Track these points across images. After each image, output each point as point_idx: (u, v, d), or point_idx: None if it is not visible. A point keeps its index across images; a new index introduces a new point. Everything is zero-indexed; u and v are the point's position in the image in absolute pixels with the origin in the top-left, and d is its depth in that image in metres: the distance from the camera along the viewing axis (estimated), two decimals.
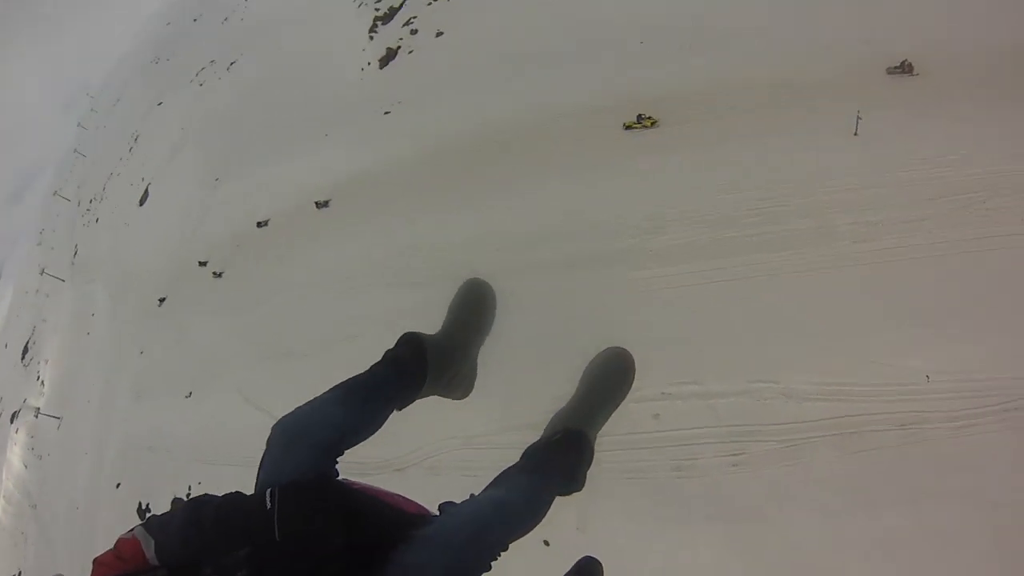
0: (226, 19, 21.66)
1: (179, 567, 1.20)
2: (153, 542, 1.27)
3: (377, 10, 11.68)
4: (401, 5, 11.30)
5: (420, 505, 1.45)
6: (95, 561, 1.28)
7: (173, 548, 1.25)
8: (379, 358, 1.52)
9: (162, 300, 14.62)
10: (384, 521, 1.34)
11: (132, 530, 1.30)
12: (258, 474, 1.37)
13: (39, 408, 24.20)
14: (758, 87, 6.58)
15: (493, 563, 1.32)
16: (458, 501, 1.39)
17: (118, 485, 13.26)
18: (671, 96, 6.74)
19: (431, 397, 1.64)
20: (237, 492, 1.35)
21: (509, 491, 1.46)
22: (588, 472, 1.59)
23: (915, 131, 5.78)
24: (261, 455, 1.40)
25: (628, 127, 6.62)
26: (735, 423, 5.45)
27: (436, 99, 8.98)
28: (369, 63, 11.09)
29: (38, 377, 26.39)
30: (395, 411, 1.52)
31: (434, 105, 8.87)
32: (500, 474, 1.54)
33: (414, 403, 1.56)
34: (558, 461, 1.54)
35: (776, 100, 6.41)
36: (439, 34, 10.08)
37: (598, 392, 1.69)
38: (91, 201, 26.34)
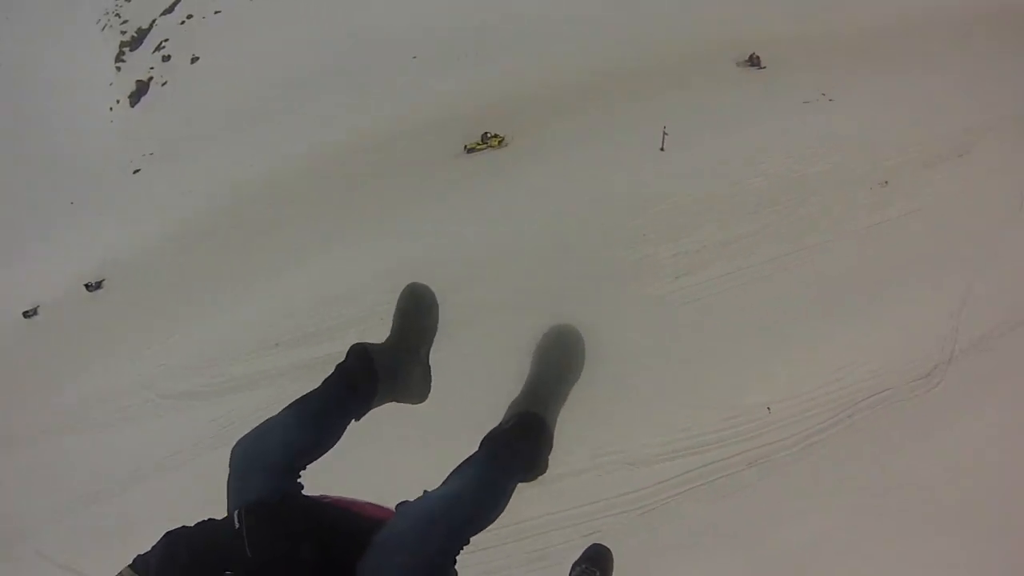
0: None
1: None
2: None
3: (123, 32, 9.74)
4: (151, 26, 9.45)
5: (389, 509, 1.37)
6: None
7: None
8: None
9: None
10: (353, 531, 1.26)
11: (121, 572, 1.22)
12: (227, 496, 1.32)
13: None
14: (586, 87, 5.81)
15: (454, 556, 1.26)
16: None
17: None
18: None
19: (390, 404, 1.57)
20: (209, 519, 1.31)
21: (465, 484, 1.34)
22: (550, 456, 1.48)
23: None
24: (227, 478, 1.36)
25: (472, 150, 5.21)
26: (585, 502, 4.76)
27: (196, 144, 7.40)
28: (118, 101, 9.20)
29: None
30: (353, 421, 1.47)
31: (193, 155, 7.30)
32: (458, 466, 1.38)
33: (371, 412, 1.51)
34: (516, 447, 1.41)
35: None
36: (195, 59, 8.45)
37: (549, 372, 1.57)
38: None
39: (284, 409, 1.45)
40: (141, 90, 9.08)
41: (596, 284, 4.10)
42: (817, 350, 4.78)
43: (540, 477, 1.49)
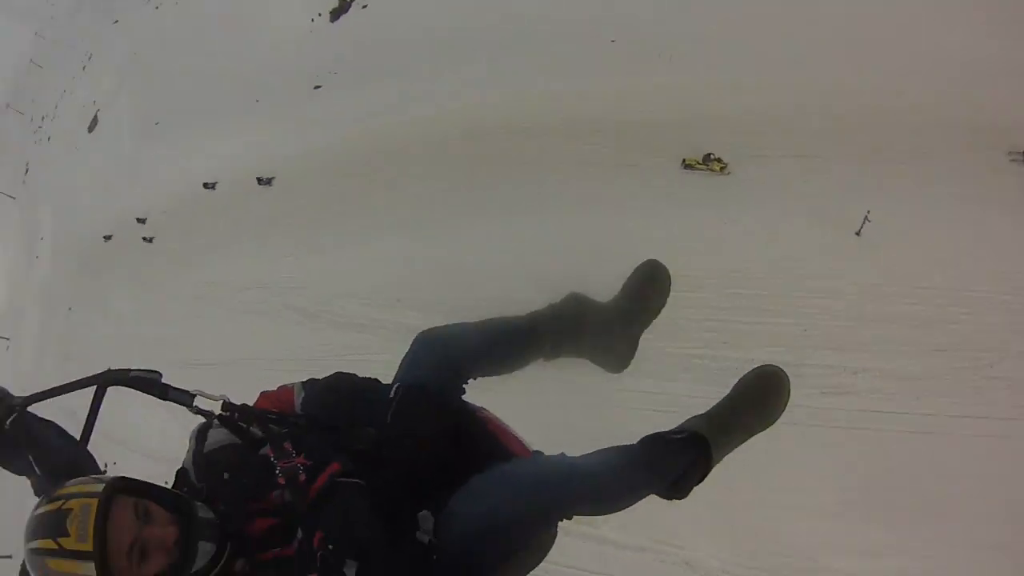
0: None
1: (317, 421, 1.53)
2: (303, 395, 1.65)
3: None
4: None
5: (528, 450, 1.57)
6: (261, 393, 1.72)
7: (314, 404, 1.61)
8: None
9: (108, 237, 13.46)
10: (488, 450, 1.51)
11: (293, 384, 1.70)
12: (397, 372, 1.65)
13: None
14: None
15: (555, 521, 1.43)
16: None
17: None
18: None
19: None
20: (375, 379, 1.66)
21: (605, 466, 1.48)
22: (696, 488, 1.57)
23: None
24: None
25: (689, 166, 4.37)
26: None
27: (366, 76, 7.55)
28: (320, 14, 9.58)
29: None
30: (542, 360, 1.69)
31: (361, 86, 7.47)
32: (609, 447, 1.56)
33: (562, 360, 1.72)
34: (673, 461, 1.52)
35: None
36: None
37: (743, 408, 1.63)
38: (43, 118, 24.59)
39: (485, 320, 1.64)
40: (344, 7, 9.41)
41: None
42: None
43: (675, 500, 1.62)
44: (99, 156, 15.75)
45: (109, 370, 1.60)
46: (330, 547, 1.30)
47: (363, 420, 1.52)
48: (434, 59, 6.80)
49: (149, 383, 1.58)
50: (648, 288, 1.76)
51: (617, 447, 1.59)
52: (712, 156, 4.24)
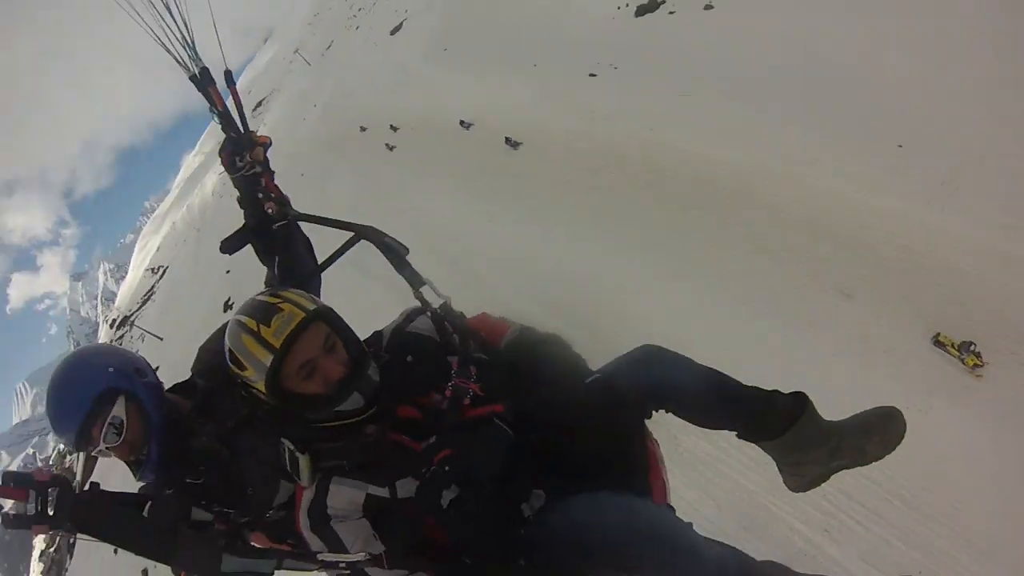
0: None
1: (508, 363, 1.64)
2: (514, 336, 1.74)
3: None
4: None
5: (665, 496, 1.56)
6: (483, 312, 1.84)
7: (517, 348, 1.70)
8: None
9: (363, 128, 15.00)
10: (631, 472, 1.51)
11: (516, 323, 1.79)
12: (607, 363, 1.62)
13: None
14: None
15: (630, 571, 1.38)
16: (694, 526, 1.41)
17: None
18: None
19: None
20: (583, 360, 1.68)
21: (714, 560, 1.43)
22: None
23: None
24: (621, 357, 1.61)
25: (941, 344, 3.57)
26: None
27: (650, 80, 7.52)
28: (627, 4, 9.68)
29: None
30: (734, 434, 1.59)
31: (641, 87, 7.37)
32: (734, 549, 1.59)
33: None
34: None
35: None
36: (708, 7, 8.43)
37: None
38: (360, 9, 27.95)
39: (711, 368, 1.63)
40: (650, 6, 9.44)
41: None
42: None
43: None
44: (389, 58, 17.53)
45: (371, 226, 1.79)
46: (446, 468, 1.38)
47: (549, 385, 1.56)
48: (711, 90, 6.49)
49: (396, 252, 1.74)
50: (877, 433, 1.63)
51: (737, 553, 1.59)
52: (973, 348, 3.31)
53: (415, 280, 1.74)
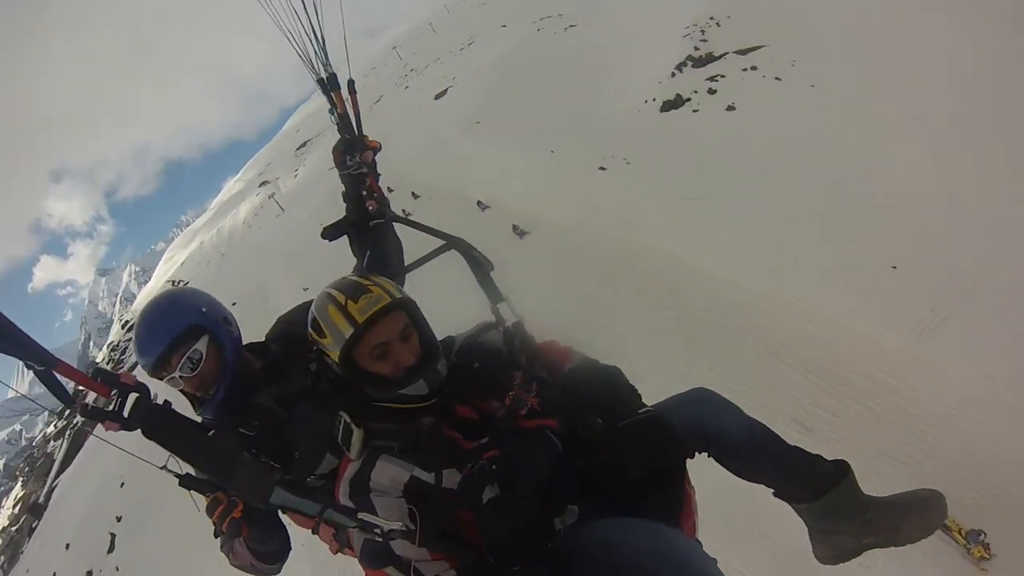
0: None
1: (566, 389, 1.73)
2: (575, 364, 1.88)
3: (696, 49, 10.41)
4: (720, 56, 9.92)
5: (694, 531, 1.58)
6: (551, 340, 1.90)
7: (577, 378, 1.78)
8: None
9: (391, 189, 15.54)
10: (665, 507, 1.52)
11: (581, 353, 1.89)
12: (662, 401, 1.70)
13: (273, 194, 28.86)
14: None
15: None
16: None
17: None
18: None
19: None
20: (639, 393, 1.71)
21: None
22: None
23: None
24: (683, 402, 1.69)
25: (947, 527, 2.84)
26: None
27: (659, 175, 7.65)
28: (654, 99, 9.97)
29: (295, 173, 30.94)
30: (767, 488, 1.67)
31: (651, 179, 7.49)
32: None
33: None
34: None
35: None
36: (730, 108, 8.65)
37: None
38: (412, 70, 29.31)
39: (760, 423, 1.69)
40: (675, 103, 9.72)
41: None
42: None
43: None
44: (428, 123, 18.18)
45: (462, 238, 2.02)
46: (493, 467, 1.46)
47: (603, 413, 1.63)
48: (714, 194, 6.54)
49: (482, 266, 1.94)
50: (915, 514, 1.66)
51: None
52: (983, 538, 2.75)
53: (494, 295, 1.93)
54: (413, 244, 2.35)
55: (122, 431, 1.34)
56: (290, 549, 1.94)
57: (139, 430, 1.33)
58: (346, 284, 1.61)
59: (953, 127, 5.75)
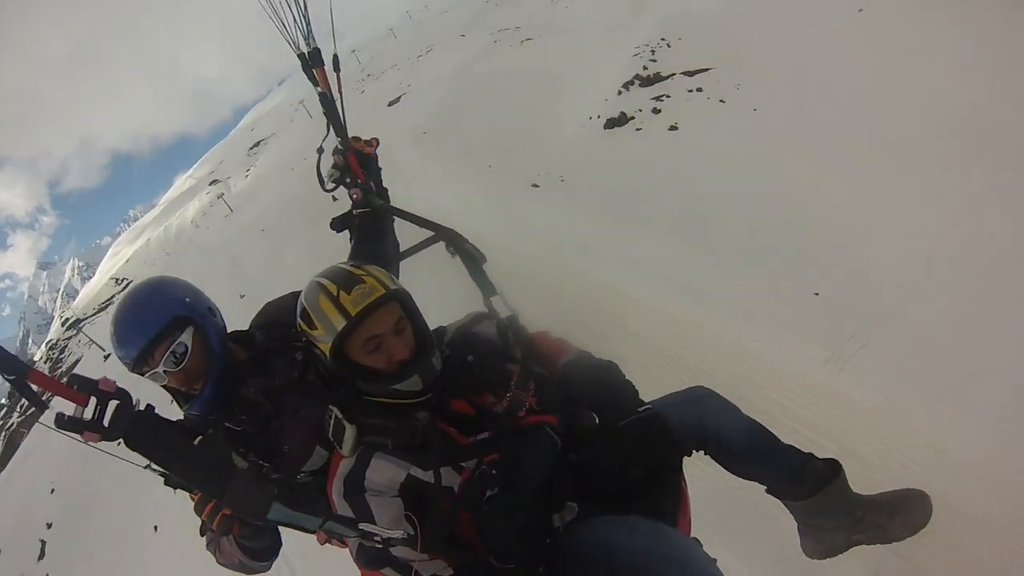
0: None
1: (563, 384, 1.74)
2: (572, 358, 1.89)
3: (645, 68, 10.40)
4: (668, 77, 9.94)
5: (688, 530, 1.58)
6: (544, 331, 1.97)
7: (574, 370, 1.79)
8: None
9: (335, 199, 15.07)
10: (662, 503, 1.53)
11: (576, 347, 1.90)
12: (660, 397, 1.72)
13: (223, 194, 28.11)
14: None
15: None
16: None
17: None
18: None
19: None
20: (636, 388, 1.71)
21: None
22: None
23: None
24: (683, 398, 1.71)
25: None
26: None
27: (595, 194, 7.42)
28: (599, 116, 9.89)
29: (246, 173, 30.28)
30: (761, 486, 1.70)
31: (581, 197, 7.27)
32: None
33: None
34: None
35: None
36: (673, 128, 8.62)
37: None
38: (368, 75, 28.98)
39: (759, 425, 1.67)
40: (619, 121, 9.67)
41: None
42: None
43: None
44: (380, 131, 17.79)
45: (453, 229, 1.94)
46: (493, 472, 1.43)
47: (599, 410, 1.58)
48: (640, 215, 6.38)
49: (474, 259, 1.88)
50: (901, 514, 1.66)
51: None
52: None
53: (487, 288, 1.89)
54: (402, 235, 2.29)
55: (103, 442, 1.26)
56: (281, 544, 1.86)
57: (121, 440, 1.27)
58: (338, 273, 1.53)
59: (882, 158, 5.77)
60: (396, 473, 1.47)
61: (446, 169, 10.63)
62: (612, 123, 9.62)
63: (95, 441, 1.24)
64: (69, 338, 40.72)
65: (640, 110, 9.57)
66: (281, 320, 1.89)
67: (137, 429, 1.27)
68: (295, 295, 1.68)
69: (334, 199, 9.93)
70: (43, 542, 12.26)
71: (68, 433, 1.22)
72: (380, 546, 1.41)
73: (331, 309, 1.45)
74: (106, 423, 1.24)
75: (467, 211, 8.41)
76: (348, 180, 2.00)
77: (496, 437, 1.51)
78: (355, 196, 2.00)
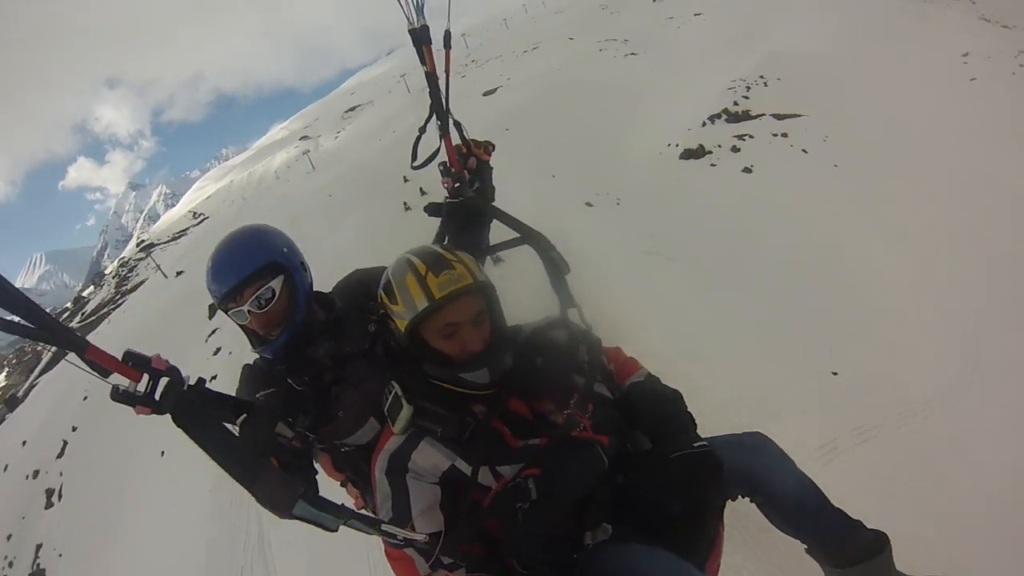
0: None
1: (622, 405, 1.71)
2: (639, 380, 1.82)
3: (736, 104, 10.14)
4: (756, 116, 9.66)
5: (718, 570, 1.56)
6: (617, 347, 1.88)
7: (638, 392, 1.74)
8: None
9: (406, 179, 15.34)
10: (695, 543, 1.49)
11: (644, 369, 1.83)
12: (719, 443, 1.64)
13: (308, 151, 28.61)
14: None
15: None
16: None
17: None
18: None
19: None
20: (695, 423, 1.64)
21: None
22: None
23: None
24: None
25: None
26: None
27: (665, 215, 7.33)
28: (677, 144, 9.72)
29: (336, 135, 30.69)
30: (805, 549, 1.66)
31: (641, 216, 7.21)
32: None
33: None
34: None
35: None
36: (747, 170, 8.40)
37: None
38: (473, 61, 29.31)
39: (810, 481, 1.67)
40: (696, 153, 9.42)
41: None
42: None
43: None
44: (469, 119, 17.94)
45: (543, 235, 1.97)
46: (531, 486, 1.40)
47: (655, 436, 1.58)
48: (683, 252, 6.27)
49: (558, 268, 1.90)
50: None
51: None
52: None
53: (566, 299, 1.88)
54: (494, 231, 2.29)
55: (154, 415, 1.32)
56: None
57: (169, 416, 1.30)
58: (429, 254, 1.54)
59: (951, 244, 5.43)
60: (441, 461, 1.47)
61: (513, 170, 10.67)
62: (688, 154, 9.40)
63: (146, 414, 1.29)
64: (140, 260, 42.45)
65: (719, 146, 9.31)
66: (362, 291, 1.93)
67: (183, 405, 1.30)
68: (383, 269, 1.67)
69: (422, 192, 10.16)
70: (65, 442, 13.12)
71: (122, 404, 1.26)
72: (402, 544, 1.40)
73: (416, 288, 1.47)
74: (157, 397, 1.28)
75: (525, 214, 8.44)
76: (452, 170, 2.03)
77: (548, 447, 1.48)
78: (446, 185, 2.03)
